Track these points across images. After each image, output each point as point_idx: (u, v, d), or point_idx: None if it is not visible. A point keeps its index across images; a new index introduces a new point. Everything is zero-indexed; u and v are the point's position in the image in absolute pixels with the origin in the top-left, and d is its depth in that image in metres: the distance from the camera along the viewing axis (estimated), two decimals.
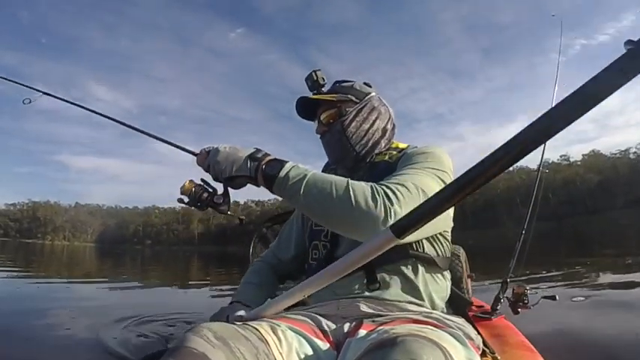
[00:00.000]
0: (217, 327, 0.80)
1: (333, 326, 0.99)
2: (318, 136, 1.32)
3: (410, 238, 0.86)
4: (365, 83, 1.32)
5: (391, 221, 0.85)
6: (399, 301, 1.04)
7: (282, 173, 0.94)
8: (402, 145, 1.27)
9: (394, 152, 1.22)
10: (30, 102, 1.51)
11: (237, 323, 0.88)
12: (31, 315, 3.77)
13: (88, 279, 9.44)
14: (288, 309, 1.02)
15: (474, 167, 0.57)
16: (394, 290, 1.05)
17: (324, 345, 0.92)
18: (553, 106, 0.48)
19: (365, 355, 0.71)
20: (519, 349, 1.31)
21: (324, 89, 1.30)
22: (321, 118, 1.27)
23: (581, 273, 6.12)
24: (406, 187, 0.92)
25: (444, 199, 0.64)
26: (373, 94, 1.29)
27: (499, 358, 1.20)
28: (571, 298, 3.63)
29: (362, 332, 0.89)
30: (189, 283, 9.29)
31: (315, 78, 1.28)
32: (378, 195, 0.89)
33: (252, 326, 0.87)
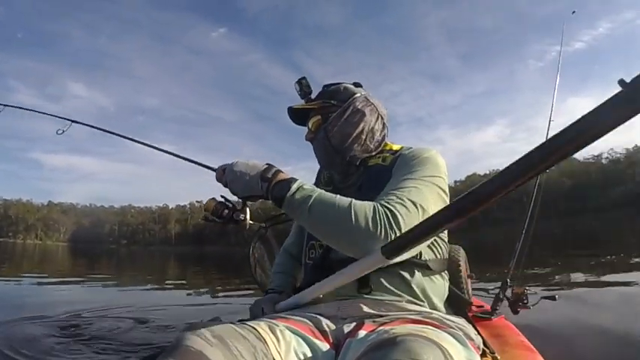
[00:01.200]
0: (215, 326, 0.80)
1: (333, 327, 0.99)
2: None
3: (403, 256, 0.88)
4: (354, 83, 1.31)
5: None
6: (399, 302, 1.04)
7: (289, 195, 0.96)
8: (395, 147, 1.25)
9: (387, 155, 1.20)
10: (63, 132, 1.58)
11: (236, 322, 0.88)
12: None
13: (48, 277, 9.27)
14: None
15: (465, 196, 0.61)
16: (392, 291, 1.05)
17: (323, 345, 0.92)
18: (547, 138, 0.50)
19: (365, 354, 0.71)
20: (519, 349, 1.31)
21: (313, 95, 1.29)
22: (309, 125, 1.27)
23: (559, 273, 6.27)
24: (406, 207, 0.92)
25: (434, 225, 0.69)
26: (358, 95, 1.25)
27: (499, 358, 1.20)
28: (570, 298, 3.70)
29: (362, 332, 0.89)
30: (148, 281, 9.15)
31: (300, 87, 1.28)
32: (379, 218, 0.89)
33: (250, 325, 0.87)
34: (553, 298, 1.53)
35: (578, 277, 5.66)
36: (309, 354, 0.89)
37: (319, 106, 1.24)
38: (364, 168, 1.21)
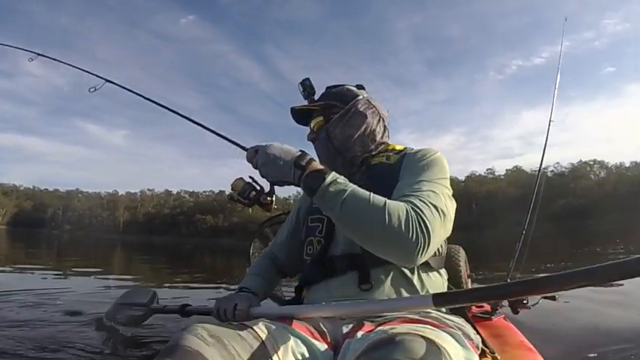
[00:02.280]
0: (212, 326, 0.81)
1: (331, 327, 0.99)
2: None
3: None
4: (357, 86, 1.31)
5: (421, 250, 0.86)
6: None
7: (323, 187, 0.92)
8: (398, 147, 1.26)
9: (391, 154, 1.21)
10: (95, 90, 1.54)
11: (233, 323, 0.89)
12: None
13: None
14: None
15: (514, 283, 0.71)
16: (391, 289, 1.05)
17: (321, 345, 0.92)
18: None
19: (364, 354, 0.71)
20: (519, 349, 1.33)
21: (316, 96, 1.29)
22: (312, 126, 1.28)
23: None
24: (432, 213, 0.91)
25: (482, 297, 0.77)
26: (360, 97, 1.26)
27: (499, 358, 1.20)
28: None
29: (361, 333, 0.88)
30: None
31: (304, 87, 1.27)
32: (412, 221, 0.87)
33: (247, 325, 0.87)
34: (553, 298, 1.56)
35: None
36: (307, 354, 0.89)
37: (322, 107, 1.25)
38: (366, 167, 1.21)
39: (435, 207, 0.93)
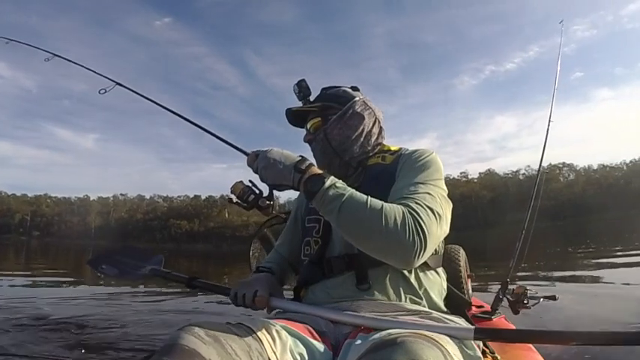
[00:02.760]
0: (210, 325, 0.80)
1: (332, 328, 1.00)
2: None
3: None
4: (352, 87, 1.31)
5: (418, 252, 0.88)
6: (398, 302, 1.03)
7: (322, 191, 0.94)
8: (393, 148, 1.28)
9: (387, 155, 1.23)
10: (105, 92, 1.54)
11: (231, 322, 0.88)
12: None
13: None
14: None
15: (557, 332, 0.84)
16: (390, 289, 1.05)
17: (320, 346, 0.92)
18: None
19: (365, 355, 0.71)
20: (519, 349, 1.34)
21: (311, 98, 1.30)
22: (308, 127, 1.28)
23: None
24: (428, 216, 0.93)
25: (524, 339, 0.90)
26: (357, 98, 1.26)
27: (499, 358, 1.21)
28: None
29: (361, 334, 0.88)
30: None
31: (299, 89, 1.28)
32: (408, 224, 0.89)
33: (245, 325, 0.87)
34: (553, 298, 1.56)
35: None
36: (306, 355, 0.89)
37: (319, 108, 1.25)
38: (362, 168, 1.23)
39: (431, 209, 0.94)
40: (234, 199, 1.08)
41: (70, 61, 1.85)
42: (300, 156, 1.02)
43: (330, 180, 0.96)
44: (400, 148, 1.25)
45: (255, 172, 1.04)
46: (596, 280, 5.42)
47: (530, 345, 1.35)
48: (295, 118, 1.31)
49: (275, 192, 1.07)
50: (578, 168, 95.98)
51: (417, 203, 0.94)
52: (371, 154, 1.25)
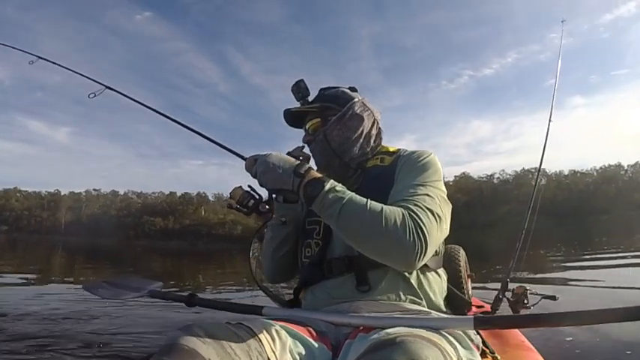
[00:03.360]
0: (209, 325, 0.81)
1: (332, 328, 1.00)
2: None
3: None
4: (350, 88, 1.32)
5: (419, 255, 0.89)
6: (398, 302, 1.04)
7: (322, 195, 0.95)
8: (392, 149, 1.28)
9: (386, 156, 1.23)
10: (95, 96, 1.54)
11: (231, 322, 0.88)
12: None
13: None
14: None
15: (557, 314, 0.84)
16: (390, 290, 1.05)
17: (320, 346, 0.93)
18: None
19: (364, 355, 0.71)
20: (519, 349, 1.34)
21: (310, 98, 1.30)
22: (307, 127, 1.28)
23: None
24: (428, 218, 0.94)
25: (522, 324, 0.93)
26: (356, 99, 1.27)
27: (499, 358, 1.21)
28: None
29: (361, 334, 0.89)
30: None
31: (299, 88, 1.28)
32: (408, 226, 0.90)
33: (245, 325, 0.87)
34: (554, 297, 1.57)
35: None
36: (306, 355, 0.90)
37: (319, 109, 1.25)
38: (362, 170, 1.23)
39: (431, 211, 0.95)
40: (234, 205, 1.08)
41: (55, 63, 1.81)
42: (299, 159, 1.04)
43: (330, 184, 0.96)
44: (399, 149, 1.26)
45: (254, 176, 1.05)
46: (564, 282, 5.64)
47: (531, 345, 1.37)
48: (293, 118, 1.30)
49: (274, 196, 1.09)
50: (550, 173, 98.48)
51: (416, 205, 0.96)
52: (370, 155, 1.26)
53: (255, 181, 1.06)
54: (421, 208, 0.95)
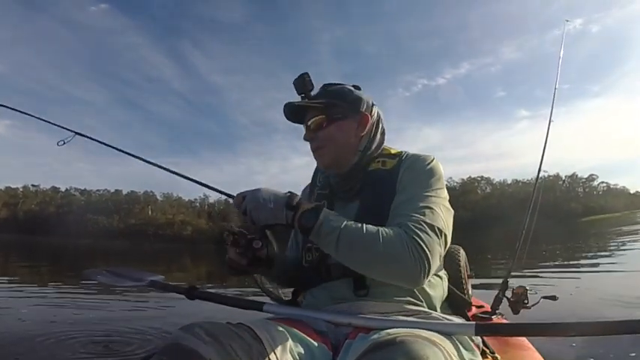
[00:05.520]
0: (210, 324, 0.82)
1: (332, 328, 1.00)
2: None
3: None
4: (354, 86, 1.29)
5: (423, 273, 0.91)
6: (398, 302, 1.04)
7: (317, 226, 0.96)
8: (393, 151, 1.26)
9: (387, 159, 1.21)
10: (64, 143, 1.54)
11: (231, 322, 0.88)
12: None
13: None
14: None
15: (561, 324, 0.83)
16: (389, 292, 1.05)
17: (320, 346, 0.94)
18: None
19: (364, 355, 0.72)
20: (519, 349, 1.34)
21: (313, 93, 1.25)
22: (309, 124, 1.22)
23: None
24: (428, 234, 0.95)
25: (523, 332, 0.95)
26: (362, 98, 1.24)
27: (499, 358, 1.20)
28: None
29: (362, 334, 0.89)
30: None
31: (304, 82, 1.22)
32: (407, 246, 0.92)
33: (245, 325, 0.88)
34: (554, 297, 1.59)
35: None
36: (306, 355, 0.90)
37: (325, 105, 1.20)
38: (365, 173, 1.20)
39: (432, 226, 0.96)
40: (227, 245, 1.06)
41: (23, 112, 1.79)
42: (289, 192, 1.03)
43: (324, 213, 0.97)
44: (401, 152, 1.23)
45: (244, 213, 1.03)
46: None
47: (531, 345, 1.37)
48: (293, 113, 1.25)
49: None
50: (494, 182, 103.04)
51: (416, 222, 0.96)
52: (374, 155, 1.23)
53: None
54: (420, 225, 0.96)
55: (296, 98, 1.22)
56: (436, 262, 0.95)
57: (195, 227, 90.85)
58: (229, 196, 1.16)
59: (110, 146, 1.53)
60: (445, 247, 0.99)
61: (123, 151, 1.50)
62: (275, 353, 0.84)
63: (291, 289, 1.34)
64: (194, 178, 1.35)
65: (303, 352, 0.90)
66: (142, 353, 2.65)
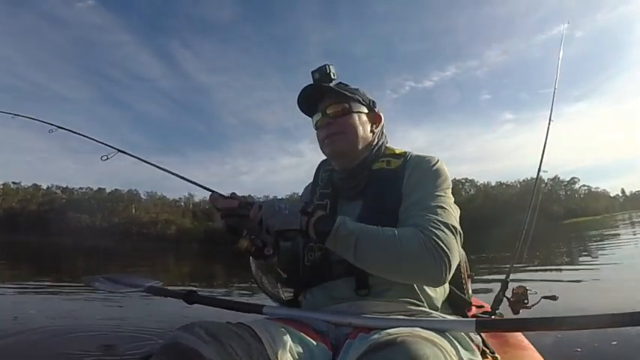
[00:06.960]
0: (210, 324, 0.81)
1: (332, 328, 1.01)
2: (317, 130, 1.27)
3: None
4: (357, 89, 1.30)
5: (445, 271, 0.93)
6: (399, 302, 1.04)
7: (334, 231, 0.97)
8: (397, 151, 1.27)
9: (392, 159, 1.22)
10: (107, 158, 1.56)
11: (231, 322, 0.88)
12: None
13: None
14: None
15: (558, 318, 0.87)
16: (390, 292, 1.05)
17: (319, 346, 0.94)
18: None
19: (364, 355, 0.72)
20: (519, 348, 1.33)
21: (332, 84, 1.24)
22: (327, 111, 1.21)
23: None
24: (444, 232, 0.96)
25: (523, 327, 0.98)
26: (373, 100, 1.28)
27: (499, 358, 1.19)
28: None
29: (362, 334, 0.89)
30: None
31: (328, 71, 1.22)
32: (425, 245, 0.93)
33: (245, 324, 0.88)
34: (554, 297, 1.59)
35: None
36: (306, 354, 0.90)
37: (348, 96, 1.20)
38: (369, 172, 1.21)
39: (446, 225, 0.98)
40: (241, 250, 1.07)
41: (72, 131, 1.81)
42: (304, 202, 1.08)
43: (340, 218, 0.98)
44: (405, 152, 1.24)
45: (259, 223, 1.03)
46: None
47: (531, 344, 1.36)
48: (309, 97, 1.23)
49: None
50: (478, 184, 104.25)
51: (431, 223, 0.97)
52: (379, 154, 1.25)
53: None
54: (436, 224, 0.97)
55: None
56: (456, 259, 0.95)
57: (180, 226, 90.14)
58: (248, 208, 1.11)
59: (150, 163, 1.54)
60: (460, 245, 1.01)
61: (167, 171, 1.47)
62: (275, 353, 0.83)
63: (292, 290, 1.33)
64: (207, 187, 1.32)
65: (302, 351, 0.90)
66: (142, 353, 2.65)
